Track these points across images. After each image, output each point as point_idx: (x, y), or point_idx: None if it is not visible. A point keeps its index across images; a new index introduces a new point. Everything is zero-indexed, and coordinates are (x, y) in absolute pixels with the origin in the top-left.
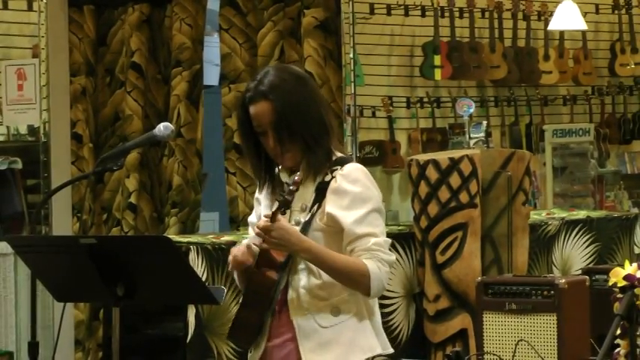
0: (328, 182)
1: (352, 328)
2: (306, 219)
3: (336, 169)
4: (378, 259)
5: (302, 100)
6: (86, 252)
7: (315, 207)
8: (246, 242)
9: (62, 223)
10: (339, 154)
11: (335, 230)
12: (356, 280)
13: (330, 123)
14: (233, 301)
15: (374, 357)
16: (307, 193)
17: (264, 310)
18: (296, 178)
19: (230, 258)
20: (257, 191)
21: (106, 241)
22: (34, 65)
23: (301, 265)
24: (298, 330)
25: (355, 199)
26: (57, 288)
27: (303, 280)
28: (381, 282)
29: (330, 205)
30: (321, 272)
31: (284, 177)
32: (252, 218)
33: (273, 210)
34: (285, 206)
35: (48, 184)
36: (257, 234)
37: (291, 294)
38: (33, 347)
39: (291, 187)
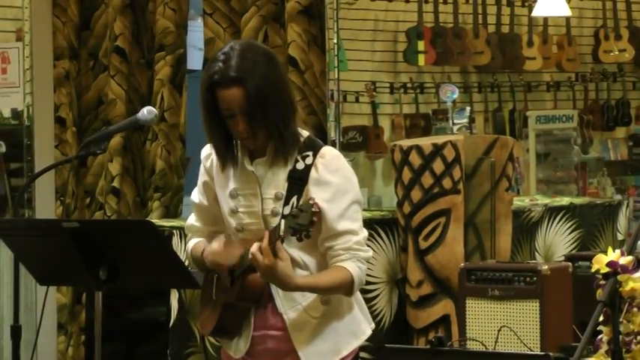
0: (302, 170)
1: (343, 314)
2: (287, 212)
3: (308, 155)
4: (357, 258)
5: (273, 83)
6: (69, 236)
7: (295, 198)
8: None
9: (45, 206)
10: (304, 134)
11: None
12: (341, 290)
13: (294, 101)
14: None
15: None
16: (279, 180)
17: (250, 307)
18: (313, 209)
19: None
20: (204, 175)
21: (88, 225)
22: (18, 49)
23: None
24: (289, 323)
25: (337, 191)
26: (39, 271)
27: None
28: (362, 280)
29: (315, 198)
30: (309, 266)
31: (247, 164)
32: (198, 198)
33: (276, 244)
34: (302, 234)
35: (31, 168)
36: (253, 260)
37: (275, 287)
38: (16, 330)
39: (313, 219)
